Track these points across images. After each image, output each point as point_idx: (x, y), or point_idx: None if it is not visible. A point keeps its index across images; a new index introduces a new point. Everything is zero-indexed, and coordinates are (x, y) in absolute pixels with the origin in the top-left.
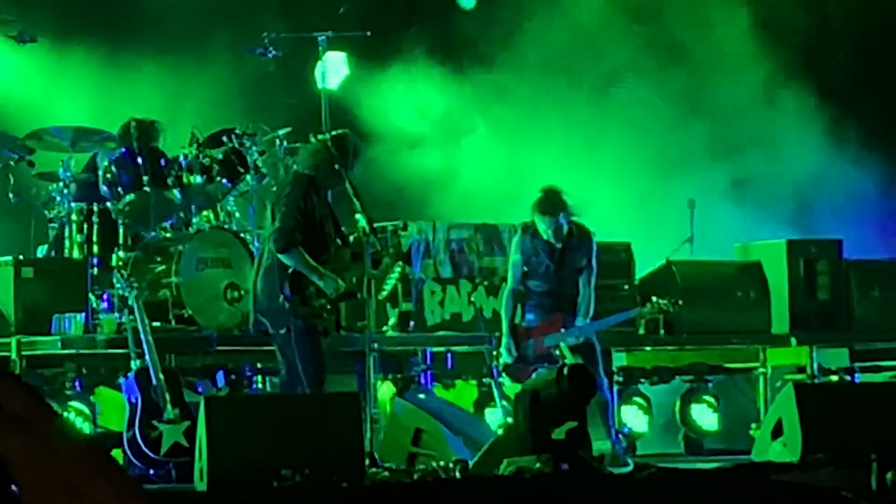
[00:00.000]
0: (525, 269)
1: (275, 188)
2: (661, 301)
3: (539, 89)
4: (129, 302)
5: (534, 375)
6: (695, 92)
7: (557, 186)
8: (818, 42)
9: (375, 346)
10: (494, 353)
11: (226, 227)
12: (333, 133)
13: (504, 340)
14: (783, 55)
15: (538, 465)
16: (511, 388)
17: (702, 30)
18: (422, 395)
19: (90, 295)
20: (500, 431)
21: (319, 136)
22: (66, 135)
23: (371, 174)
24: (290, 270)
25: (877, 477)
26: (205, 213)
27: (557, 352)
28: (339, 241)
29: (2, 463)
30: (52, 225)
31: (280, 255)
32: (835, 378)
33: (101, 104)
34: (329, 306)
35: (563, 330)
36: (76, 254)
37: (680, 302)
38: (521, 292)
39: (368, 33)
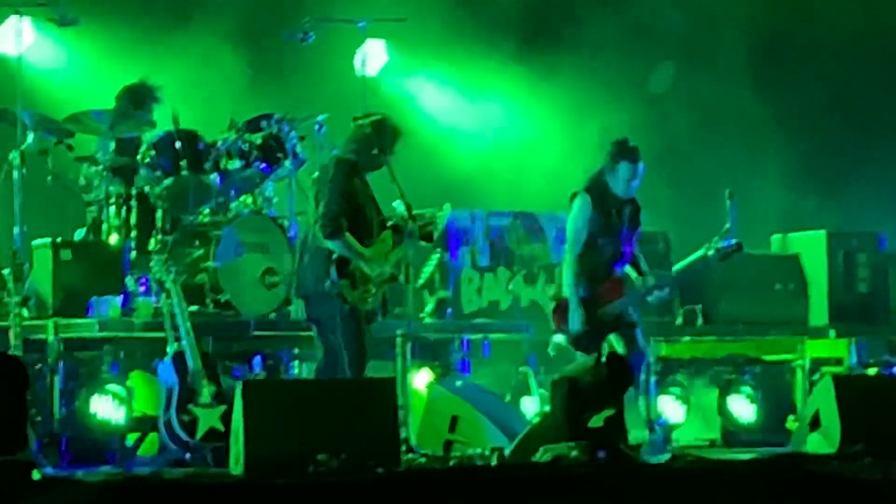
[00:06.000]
0: (590, 233)
1: (315, 174)
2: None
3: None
4: (167, 286)
5: (603, 346)
6: None
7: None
8: None
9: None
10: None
11: (264, 212)
12: (374, 117)
13: (574, 311)
14: None
15: (574, 452)
16: (548, 376)
17: None
18: (459, 383)
19: (128, 278)
20: (535, 420)
21: (361, 121)
22: (106, 118)
23: (411, 161)
24: (335, 255)
25: None
26: (243, 198)
27: (631, 312)
28: (380, 225)
29: None
30: (90, 208)
31: (326, 241)
32: (873, 370)
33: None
34: (374, 290)
35: (629, 293)
36: (114, 237)
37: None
38: (583, 260)
39: (405, 19)
